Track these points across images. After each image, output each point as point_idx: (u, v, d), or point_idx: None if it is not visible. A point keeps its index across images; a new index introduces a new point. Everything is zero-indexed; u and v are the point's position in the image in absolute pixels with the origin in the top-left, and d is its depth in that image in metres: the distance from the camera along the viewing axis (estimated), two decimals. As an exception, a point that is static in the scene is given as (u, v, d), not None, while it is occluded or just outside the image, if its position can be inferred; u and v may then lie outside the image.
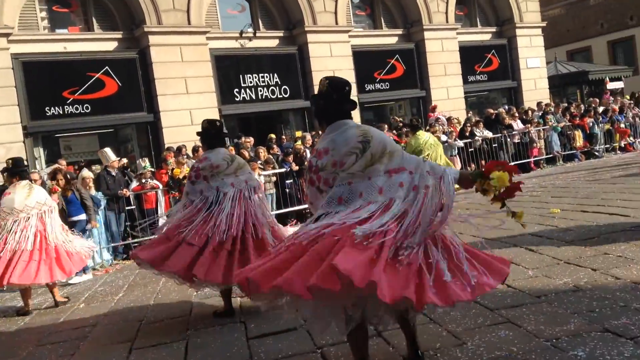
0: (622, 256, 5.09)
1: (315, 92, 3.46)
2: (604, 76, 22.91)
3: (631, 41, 27.83)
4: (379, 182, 3.12)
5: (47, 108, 12.44)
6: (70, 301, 6.66)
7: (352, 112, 3.39)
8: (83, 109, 12.78)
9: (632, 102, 17.80)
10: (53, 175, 8.43)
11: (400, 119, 16.33)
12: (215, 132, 5.24)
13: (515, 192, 3.14)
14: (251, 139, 12.51)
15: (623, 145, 16.12)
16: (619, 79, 23.37)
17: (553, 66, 23.62)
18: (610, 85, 21.63)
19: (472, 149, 13.49)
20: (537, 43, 20.58)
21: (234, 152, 6.90)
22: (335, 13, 16.08)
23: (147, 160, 10.69)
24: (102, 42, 13.38)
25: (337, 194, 3.12)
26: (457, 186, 3.24)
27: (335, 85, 3.32)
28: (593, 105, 17.34)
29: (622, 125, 16.22)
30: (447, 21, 18.24)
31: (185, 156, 10.96)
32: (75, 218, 8.23)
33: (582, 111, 16.56)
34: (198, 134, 5.35)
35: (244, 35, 15.11)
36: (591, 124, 15.78)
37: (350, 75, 16.19)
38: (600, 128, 15.85)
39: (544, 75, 20.87)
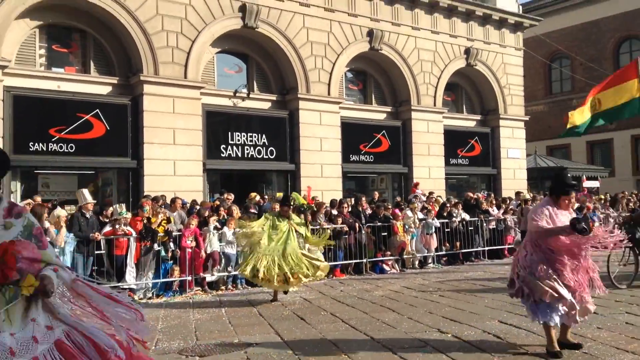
0: (587, 353, 5.10)
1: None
2: (581, 174, 23.57)
3: (609, 144, 28.93)
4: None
5: (31, 143, 12.37)
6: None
7: None
8: (67, 148, 12.74)
9: (607, 202, 18.25)
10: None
11: (382, 194, 16.53)
12: None
13: None
14: (232, 196, 12.52)
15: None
16: (595, 179, 24.04)
17: (533, 159, 24.30)
18: (587, 184, 22.18)
19: (449, 229, 13.64)
20: (518, 135, 21.31)
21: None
22: (329, 84, 16.57)
23: (123, 206, 10.41)
24: (97, 85, 13.54)
25: None
26: None
27: None
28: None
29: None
30: (434, 104, 18.87)
31: (163, 206, 10.87)
32: None
33: (558, 205, 16.88)
34: None
35: (237, 94, 15.43)
36: (566, 218, 16.05)
37: (336, 145, 16.52)
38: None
39: (523, 167, 21.48)
